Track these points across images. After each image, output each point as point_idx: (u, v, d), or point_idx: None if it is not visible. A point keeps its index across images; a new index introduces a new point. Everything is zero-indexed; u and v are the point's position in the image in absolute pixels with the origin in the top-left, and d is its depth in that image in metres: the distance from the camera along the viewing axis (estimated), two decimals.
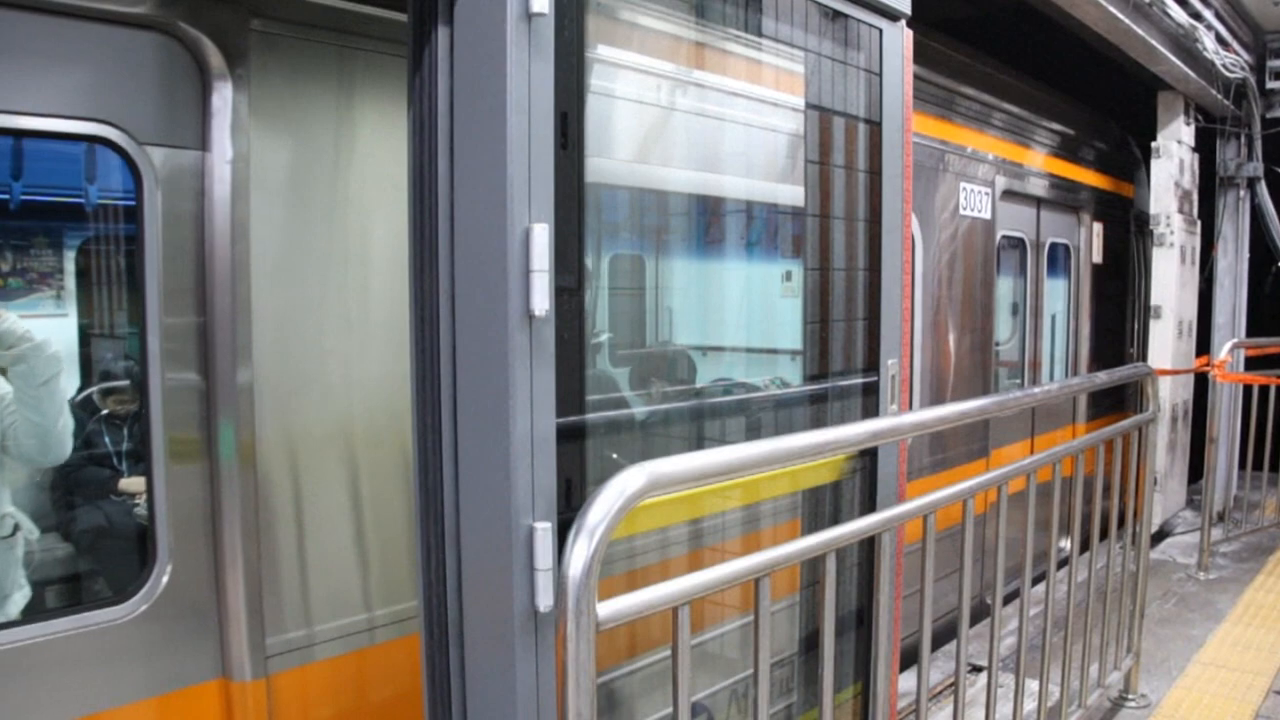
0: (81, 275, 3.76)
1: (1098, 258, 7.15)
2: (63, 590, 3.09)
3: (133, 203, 2.57)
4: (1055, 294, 6.85)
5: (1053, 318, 6.82)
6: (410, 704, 2.99)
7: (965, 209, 5.35)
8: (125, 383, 3.40)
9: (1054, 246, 6.68)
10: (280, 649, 2.75)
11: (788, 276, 3.38)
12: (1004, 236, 5.95)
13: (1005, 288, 6.24)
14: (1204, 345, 7.68)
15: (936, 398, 5.10)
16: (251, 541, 2.67)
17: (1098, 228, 7.11)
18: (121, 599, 2.54)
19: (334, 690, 2.88)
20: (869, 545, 2.70)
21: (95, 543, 3.12)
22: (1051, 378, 6.88)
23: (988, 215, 5.55)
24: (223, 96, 2.61)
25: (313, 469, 2.85)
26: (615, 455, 2.49)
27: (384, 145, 2.94)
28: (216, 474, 2.65)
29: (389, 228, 2.94)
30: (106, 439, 3.32)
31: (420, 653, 2.11)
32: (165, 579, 2.58)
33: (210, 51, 2.58)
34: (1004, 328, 6.27)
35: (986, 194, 5.54)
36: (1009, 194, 5.85)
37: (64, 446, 2.80)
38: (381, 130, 2.95)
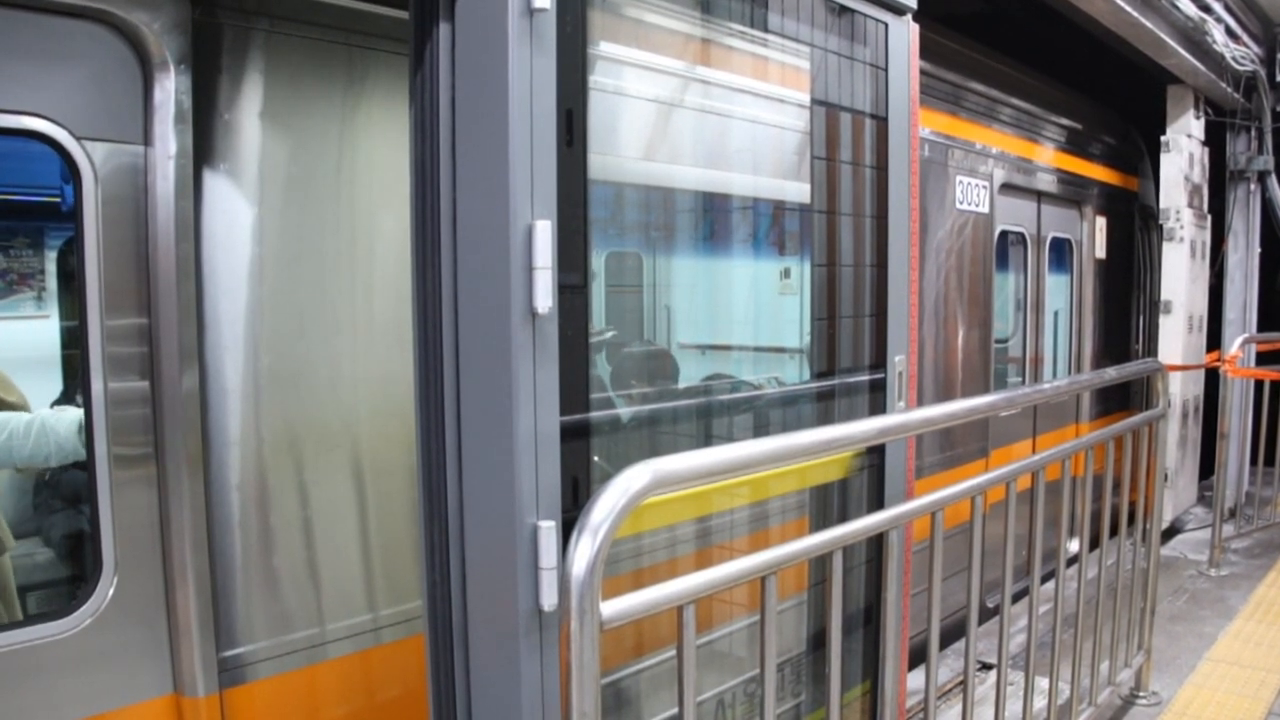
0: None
1: (1101, 253, 7.10)
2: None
3: (58, 199, 2.47)
4: (1057, 290, 6.79)
5: (1055, 314, 6.76)
6: (370, 718, 2.98)
7: (962, 203, 5.31)
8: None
9: (1055, 241, 6.63)
10: (234, 663, 2.68)
11: (787, 273, 3.36)
12: (1003, 231, 5.90)
13: (1005, 284, 6.19)
14: (1214, 340, 7.64)
15: (932, 398, 5.05)
16: (202, 551, 2.59)
17: (1101, 222, 7.06)
18: (65, 612, 2.46)
19: (293, 705, 2.82)
20: (877, 543, 2.68)
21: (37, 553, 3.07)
22: (1054, 376, 6.83)
23: (985, 209, 5.51)
24: (165, 89, 2.52)
25: (267, 475, 2.77)
26: (624, 452, 2.48)
27: (341, 137, 2.89)
28: (164, 482, 2.56)
29: (346, 221, 2.89)
30: None
31: (425, 651, 2.10)
32: (112, 591, 2.50)
33: (150, 42, 2.49)
34: (1003, 325, 6.22)
35: (984, 188, 5.50)
36: (1008, 187, 5.81)
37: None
38: (338, 121, 2.89)
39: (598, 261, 3.50)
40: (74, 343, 3.69)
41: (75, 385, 3.30)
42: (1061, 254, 6.81)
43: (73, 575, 3.17)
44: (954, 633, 3.80)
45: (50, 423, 2.75)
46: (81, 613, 2.46)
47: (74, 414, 2.74)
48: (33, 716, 2.38)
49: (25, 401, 2.96)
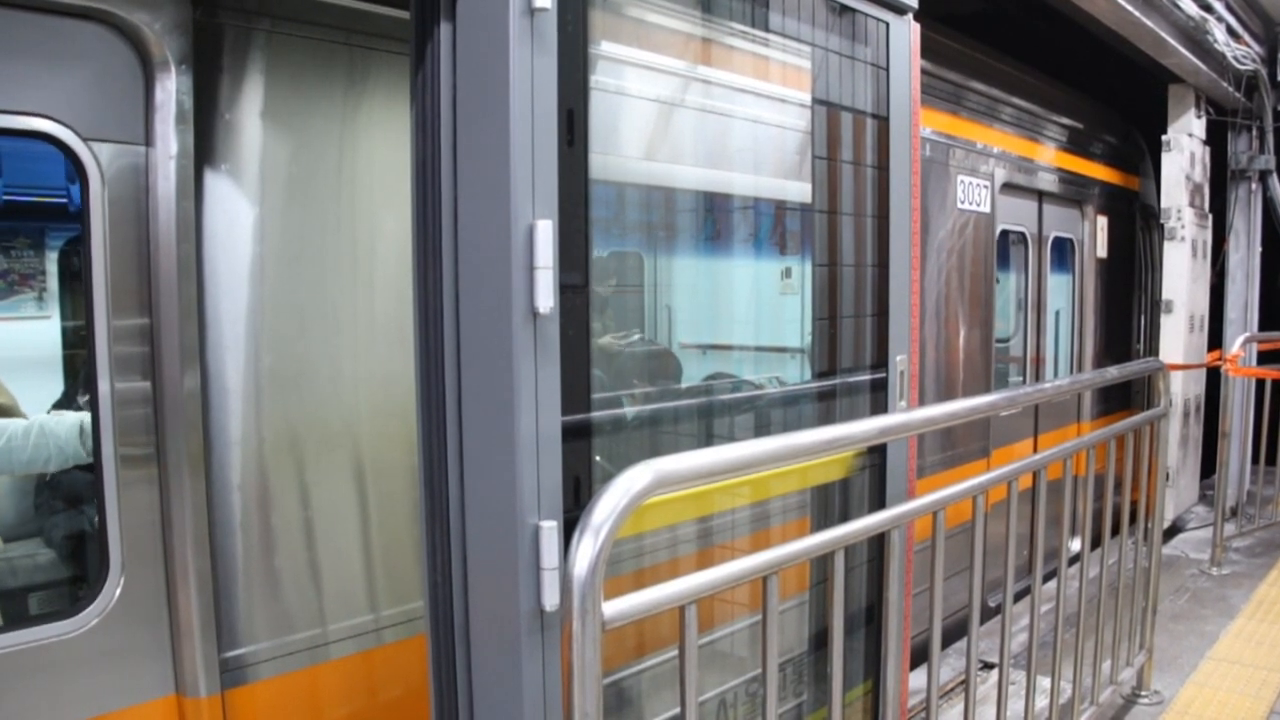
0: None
1: (1102, 252, 7.10)
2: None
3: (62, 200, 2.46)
4: (1058, 289, 6.79)
5: (1056, 314, 6.76)
6: (372, 718, 2.97)
7: (963, 203, 5.30)
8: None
9: (1057, 241, 6.63)
10: (236, 664, 2.68)
11: (788, 273, 3.36)
12: (1004, 231, 5.89)
13: (1006, 283, 6.18)
14: (1216, 340, 7.63)
15: (933, 398, 5.05)
16: (204, 552, 2.59)
17: (1102, 221, 7.06)
18: (73, 612, 2.46)
19: (295, 705, 2.82)
20: (878, 542, 2.68)
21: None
22: (1055, 375, 6.82)
23: (987, 209, 5.51)
24: (166, 89, 2.52)
25: (269, 475, 2.76)
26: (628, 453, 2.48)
27: (342, 137, 2.89)
28: (166, 482, 2.56)
29: (347, 221, 2.90)
30: None
31: (426, 651, 2.10)
32: (118, 591, 2.50)
33: (151, 42, 2.49)
34: (1004, 324, 6.21)
35: (985, 187, 5.50)
36: (1009, 187, 5.80)
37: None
38: (339, 121, 2.89)
39: (614, 262, 3.52)
40: (74, 343, 3.70)
41: (76, 387, 3.30)
42: (1063, 253, 6.80)
43: (73, 577, 3.18)
44: (955, 632, 3.80)
45: (50, 426, 2.74)
46: (88, 612, 2.46)
47: (74, 417, 2.74)
48: (39, 716, 2.39)
49: (15, 403, 2.96)
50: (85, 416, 2.81)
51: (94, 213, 2.46)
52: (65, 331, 3.93)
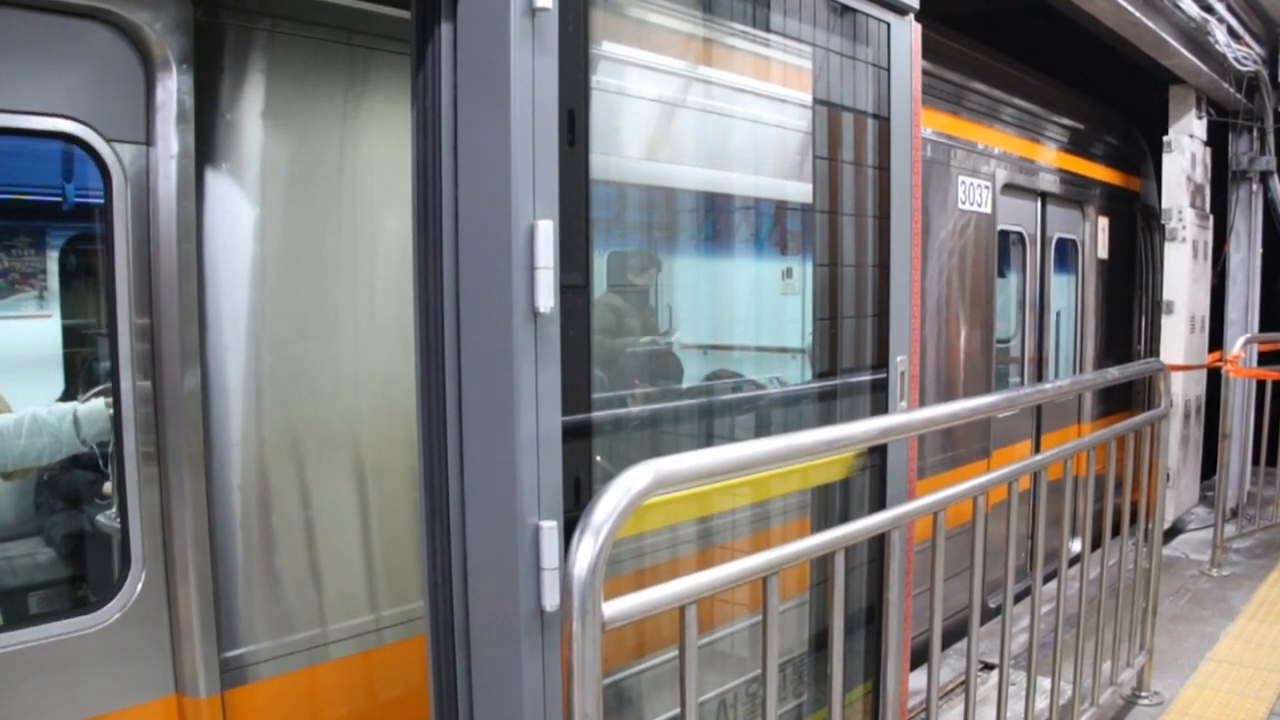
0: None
1: (1103, 253, 7.10)
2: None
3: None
4: (1059, 290, 6.79)
5: (1057, 314, 6.76)
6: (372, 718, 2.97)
7: (964, 203, 5.30)
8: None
9: (1058, 241, 6.63)
10: (236, 664, 2.69)
11: (789, 273, 3.37)
12: (1005, 231, 5.89)
13: (1007, 284, 6.18)
14: (1216, 341, 7.63)
15: (934, 398, 5.04)
16: (204, 551, 2.60)
17: (1103, 222, 7.06)
18: (95, 607, 2.48)
19: (295, 705, 2.83)
20: (879, 543, 2.68)
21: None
22: (1057, 376, 6.82)
23: (988, 210, 5.51)
24: (167, 89, 2.53)
25: (269, 475, 2.77)
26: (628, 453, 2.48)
27: (343, 137, 2.90)
28: (166, 481, 2.57)
29: (347, 221, 2.90)
30: None
31: (426, 652, 2.10)
32: (140, 586, 2.52)
33: (152, 42, 2.50)
34: (1005, 325, 6.21)
35: (986, 188, 5.49)
36: (1010, 188, 5.80)
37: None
38: (340, 121, 2.89)
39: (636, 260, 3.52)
40: (76, 341, 3.70)
41: (77, 384, 3.29)
42: (1064, 254, 6.80)
43: (87, 573, 3.18)
44: (955, 633, 3.80)
45: (42, 417, 2.74)
46: (110, 607, 2.48)
47: (65, 407, 2.74)
48: (62, 712, 2.40)
49: (8, 408, 2.96)
50: (78, 406, 2.83)
51: (117, 213, 2.48)
52: (65, 330, 3.94)
